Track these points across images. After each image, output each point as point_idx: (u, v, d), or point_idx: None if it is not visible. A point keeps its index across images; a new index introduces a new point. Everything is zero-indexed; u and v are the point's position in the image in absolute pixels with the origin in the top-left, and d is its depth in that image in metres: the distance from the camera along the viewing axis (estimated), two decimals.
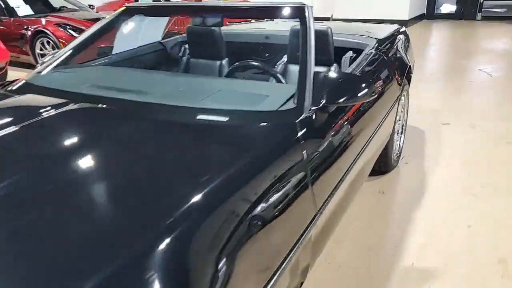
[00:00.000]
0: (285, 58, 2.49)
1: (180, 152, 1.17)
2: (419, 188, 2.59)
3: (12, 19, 6.24)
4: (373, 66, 2.12)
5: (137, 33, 2.70)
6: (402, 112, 2.83)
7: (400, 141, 2.89)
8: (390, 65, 2.33)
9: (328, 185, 1.42)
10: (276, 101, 1.49)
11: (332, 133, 1.50)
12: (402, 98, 2.74)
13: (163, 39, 2.96)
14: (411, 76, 2.90)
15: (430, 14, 11.50)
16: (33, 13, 6.45)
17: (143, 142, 1.24)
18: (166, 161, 1.12)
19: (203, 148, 1.21)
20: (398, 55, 2.62)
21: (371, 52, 2.26)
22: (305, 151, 1.28)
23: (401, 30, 3.05)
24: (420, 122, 3.67)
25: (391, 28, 3.01)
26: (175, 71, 2.87)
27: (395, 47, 2.64)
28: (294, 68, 2.41)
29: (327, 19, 10.34)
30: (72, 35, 5.70)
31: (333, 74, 1.51)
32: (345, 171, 1.61)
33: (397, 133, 2.79)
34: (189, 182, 1.00)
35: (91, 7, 7.54)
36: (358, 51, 2.44)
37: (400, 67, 2.56)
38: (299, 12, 1.79)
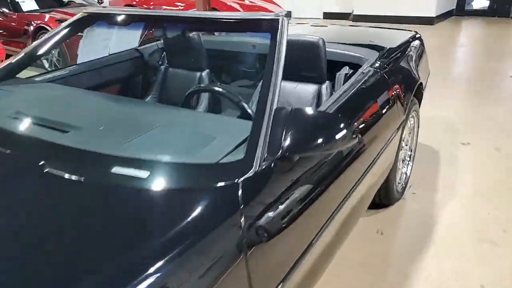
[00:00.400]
0: None
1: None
2: (426, 228, 2.19)
3: (16, 14, 6.09)
4: (365, 91, 1.73)
5: (108, 39, 2.39)
6: (410, 136, 2.42)
7: (407, 169, 2.48)
8: (392, 85, 1.94)
9: (302, 239, 1.17)
10: (223, 147, 1.15)
11: (301, 180, 1.18)
12: (410, 120, 2.33)
13: (141, 44, 2.65)
14: (422, 93, 2.49)
15: (460, 10, 10.74)
16: (38, 8, 6.28)
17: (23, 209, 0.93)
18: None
19: (95, 225, 0.89)
20: (406, 71, 2.21)
21: (368, 70, 1.87)
22: (245, 223, 0.95)
23: (414, 38, 2.63)
24: (435, 140, 3.23)
25: (402, 35, 2.59)
26: (153, 82, 2.56)
27: (403, 60, 2.23)
28: (283, 86, 2.06)
29: (348, 15, 9.82)
30: None
31: (299, 112, 1.15)
32: (325, 221, 1.31)
33: (403, 161, 2.39)
34: None
35: (99, 1, 7.32)
36: (356, 66, 2.05)
37: (407, 85, 2.15)
38: (269, 26, 1.43)
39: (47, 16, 5.77)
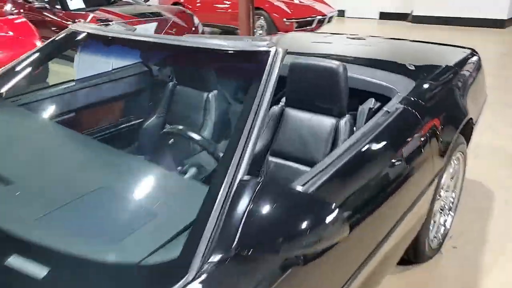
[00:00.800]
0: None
1: None
2: None
3: (63, 12, 6.19)
4: (388, 137, 1.37)
5: (109, 54, 2.18)
6: (452, 181, 1.99)
7: (446, 221, 2.06)
8: (426, 126, 1.55)
9: None
10: (159, 234, 0.87)
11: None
12: (454, 162, 1.91)
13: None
14: (472, 129, 2.04)
15: None
16: (84, 7, 6.35)
17: None
18: None
19: None
20: (449, 106, 1.80)
21: (396, 109, 1.50)
22: None
23: (467, 59, 2.17)
24: (489, 177, 2.72)
25: (452, 55, 2.16)
26: (160, 100, 2.33)
27: (447, 91, 1.82)
28: (292, 115, 1.74)
29: (406, 16, 9.09)
30: None
31: (274, 189, 0.86)
32: None
33: (441, 212, 1.97)
34: None
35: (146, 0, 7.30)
36: (385, 98, 1.68)
37: (450, 123, 1.74)
38: (254, 60, 1.13)
39: (90, 15, 5.79)
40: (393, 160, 1.36)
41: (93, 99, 2.16)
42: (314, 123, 1.71)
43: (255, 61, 1.12)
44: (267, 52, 1.12)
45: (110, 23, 5.07)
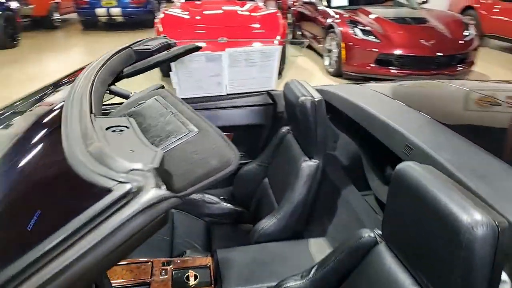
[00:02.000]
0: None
1: None
2: None
3: (320, 8, 6.09)
4: None
5: (218, 73, 1.75)
6: None
7: None
8: None
9: None
10: None
11: None
12: None
13: None
14: None
15: None
16: (346, 5, 6.05)
17: None
18: None
19: None
20: None
21: None
22: None
23: None
24: None
25: None
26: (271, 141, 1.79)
27: None
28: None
29: None
30: (356, 37, 4.93)
31: None
32: None
33: None
34: None
35: (423, 2, 6.30)
36: None
37: None
38: None
39: (349, 15, 5.38)
40: None
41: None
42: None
43: None
44: None
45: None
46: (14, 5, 7.11)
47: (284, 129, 1.66)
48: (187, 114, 0.72)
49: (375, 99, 1.58)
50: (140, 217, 0.48)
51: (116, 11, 8.25)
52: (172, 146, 0.64)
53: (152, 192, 0.49)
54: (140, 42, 1.34)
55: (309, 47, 6.66)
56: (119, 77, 1.18)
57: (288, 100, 1.49)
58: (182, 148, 0.63)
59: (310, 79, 5.37)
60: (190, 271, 1.31)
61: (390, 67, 4.83)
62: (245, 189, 1.81)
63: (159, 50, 1.34)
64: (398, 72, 4.79)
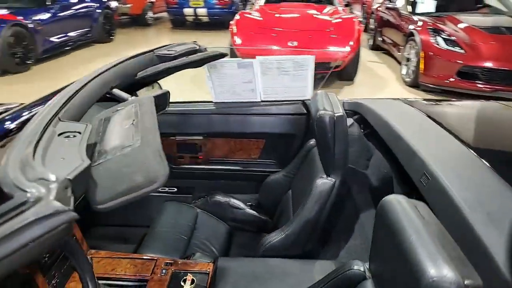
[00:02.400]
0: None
1: None
2: None
3: (403, 15, 5.73)
4: None
5: (250, 79, 1.72)
6: None
7: None
8: None
9: None
10: None
11: None
12: None
13: None
14: None
15: None
16: (433, 11, 5.62)
17: None
18: None
19: None
20: None
21: None
22: None
23: None
24: None
25: None
26: (296, 154, 1.74)
27: None
28: None
29: None
30: (437, 46, 4.56)
31: None
32: None
33: None
34: None
35: None
36: None
37: None
38: None
39: (421, 22, 5.00)
40: None
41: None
42: None
43: None
44: None
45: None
46: (113, 4, 7.84)
47: (312, 141, 1.60)
48: (143, 126, 0.73)
49: (408, 117, 1.44)
50: (33, 228, 0.49)
51: (202, 11, 8.65)
52: (110, 157, 0.64)
53: (47, 205, 0.50)
54: (166, 47, 1.38)
55: (390, 55, 6.33)
56: (135, 81, 1.23)
57: (312, 113, 1.44)
58: (117, 160, 0.64)
59: (382, 88, 5.09)
60: (189, 274, 1.32)
61: (476, 81, 4.38)
62: (270, 199, 1.78)
63: (183, 55, 1.37)
64: (484, 87, 4.33)
